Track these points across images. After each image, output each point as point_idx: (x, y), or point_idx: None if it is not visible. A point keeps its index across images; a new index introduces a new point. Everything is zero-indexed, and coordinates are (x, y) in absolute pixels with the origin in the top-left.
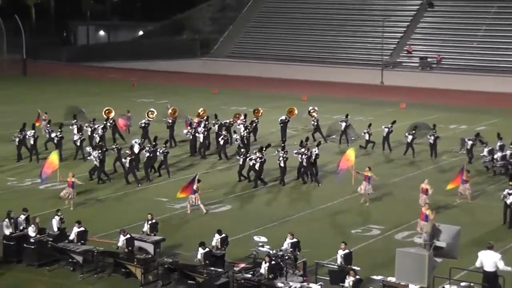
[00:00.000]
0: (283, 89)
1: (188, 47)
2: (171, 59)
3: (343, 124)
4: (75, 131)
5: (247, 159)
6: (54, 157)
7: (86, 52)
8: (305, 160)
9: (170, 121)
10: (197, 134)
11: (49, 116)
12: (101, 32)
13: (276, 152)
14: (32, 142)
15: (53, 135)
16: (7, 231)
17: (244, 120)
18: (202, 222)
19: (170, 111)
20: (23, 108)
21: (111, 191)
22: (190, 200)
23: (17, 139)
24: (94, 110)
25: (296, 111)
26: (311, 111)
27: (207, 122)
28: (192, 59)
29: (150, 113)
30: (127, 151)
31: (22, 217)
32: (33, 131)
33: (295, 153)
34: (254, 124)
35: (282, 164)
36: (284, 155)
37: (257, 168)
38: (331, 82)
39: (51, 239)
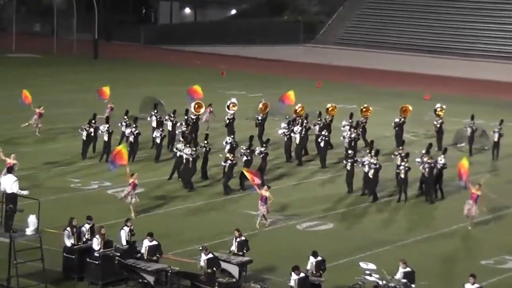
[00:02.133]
0: (402, 84)
1: (289, 31)
2: (268, 44)
3: (469, 130)
4: (154, 124)
5: (360, 164)
6: (124, 150)
7: (168, 33)
8: (427, 170)
9: (260, 118)
10: (292, 134)
11: (123, 107)
12: (187, 10)
13: (393, 156)
14: (106, 138)
15: (127, 131)
16: (69, 242)
17: (350, 121)
18: (298, 242)
19: (260, 105)
20: (93, 96)
21: (196, 200)
22: (261, 213)
23: (84, 133)
24: (174, 102)
25: (410, 109)
26: (438, 109)
27: (306, 121)
28: (293, 45)
29: (232, 105)
30: (228, 155)
31: (86, 226)
32: (107, 125)
33: (418, 162)
34: (362, 125)
35: (402, 175)
36: (406, 165)
37: (371, 176)
38: (460, 78)
39: (118, 254)
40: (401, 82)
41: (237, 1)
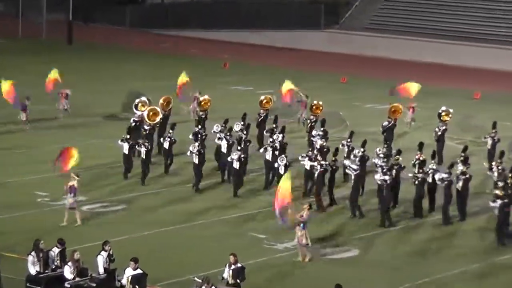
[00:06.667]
0: (445, 80)
1: (308, 14)
2: (281, 30)
3: (489, 141)
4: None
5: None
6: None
7: (159, 14)
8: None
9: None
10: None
11: (103, 103)
12: None
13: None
14: (167, 145)
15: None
16: (33, 270)
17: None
18: (316, 271)
19: (161, 100)
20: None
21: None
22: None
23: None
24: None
25: (401, 109)
26: (443, 113)
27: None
28: (312, 31)
29: (141, 104)
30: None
31: (56, 250)
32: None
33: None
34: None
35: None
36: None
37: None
38: None
39: (94, 284)
40: (444, 77)
41: None
